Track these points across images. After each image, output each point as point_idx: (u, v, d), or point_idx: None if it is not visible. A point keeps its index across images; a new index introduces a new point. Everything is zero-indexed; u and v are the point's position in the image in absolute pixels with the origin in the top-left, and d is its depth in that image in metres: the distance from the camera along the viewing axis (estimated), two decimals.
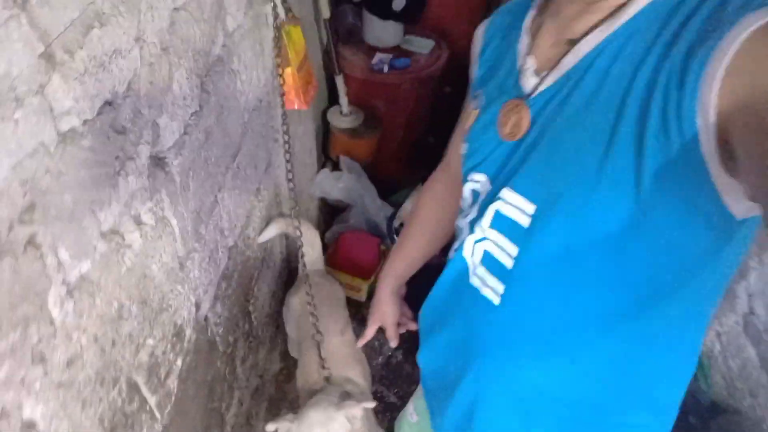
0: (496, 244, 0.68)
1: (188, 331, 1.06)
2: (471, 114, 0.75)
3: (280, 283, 1.79)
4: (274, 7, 1.34)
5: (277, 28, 1.35)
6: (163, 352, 0.96)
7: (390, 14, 2.20)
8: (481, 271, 0.71)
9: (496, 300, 0.69)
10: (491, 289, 0.70)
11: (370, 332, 1.10)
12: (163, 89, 0.89)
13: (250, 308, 1.48)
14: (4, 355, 0.57)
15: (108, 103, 0.74)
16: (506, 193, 0.66)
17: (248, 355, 1.49)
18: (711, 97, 0.47)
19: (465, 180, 0.76)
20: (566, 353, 0.68)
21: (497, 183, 0.68)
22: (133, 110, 0.80)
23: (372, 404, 1.12)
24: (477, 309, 0.72)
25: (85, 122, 0.69)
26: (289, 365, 1.80)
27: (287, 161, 1.34)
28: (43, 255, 0.63)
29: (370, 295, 1.87)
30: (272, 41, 1.35)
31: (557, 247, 0.62)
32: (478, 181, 0.72)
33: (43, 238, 0.62)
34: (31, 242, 0.60)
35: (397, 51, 2.27)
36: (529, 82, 0.66)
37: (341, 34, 2.26)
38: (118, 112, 0.76)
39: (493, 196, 0.68)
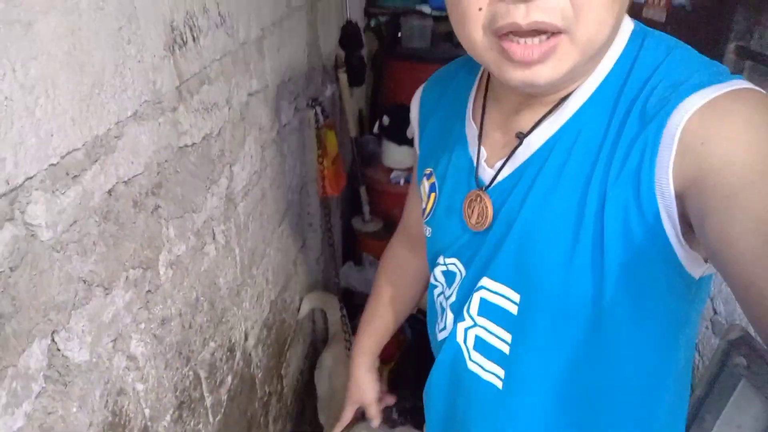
0: (488, 331, 0.69)
1: (238, 354, 1.20)
2: (429, 198, 0.76)
3: (307, 364, 1.91)
4: (315, 114, 1.69)
5: (318, 129, 1.67)
6: (220, 359, 1.10)
7: (404, 141, 2.59)
8: (477, 356, 0.71)
9: (499, 384, 0.69)
10: (492, 374, 0.70)
11: (347, 415, 1.03)
12: (239, 143, 1.16)
13: (282, 372, 1.60)
14: (131, 282, 0.76)
15: (206, 137, 1.00)
16: (488, 282, 0.66)
17: (278, 417, 1.57)
18: (666, 179, 0.49)
19: (434, 263, 0.76)
20: (576, 426, 0.69)
21: (472, 269, 0.69)
22: (220, 149, 1.06)
23: None
24: (480, 395, 0.72)
25: (192, 144, 0.95)
26: None
27: (329, 236, 1.57)
28: (162, 224, 0.84)
29: (390, 377, 1.98)
30: (314, 138, 1.67)
31: (549, 332, 0.63)
32: (450, 263, 0.73)
33: (163, 211, 0.84)
34: (156, 210, 0.82)
35: (411, 170, 2.62)
36: (486, 173, 0.66)
37: (364, 157, 2.63)
38: (211, 146, 1.02)
39: (471, 282, 0.69)
